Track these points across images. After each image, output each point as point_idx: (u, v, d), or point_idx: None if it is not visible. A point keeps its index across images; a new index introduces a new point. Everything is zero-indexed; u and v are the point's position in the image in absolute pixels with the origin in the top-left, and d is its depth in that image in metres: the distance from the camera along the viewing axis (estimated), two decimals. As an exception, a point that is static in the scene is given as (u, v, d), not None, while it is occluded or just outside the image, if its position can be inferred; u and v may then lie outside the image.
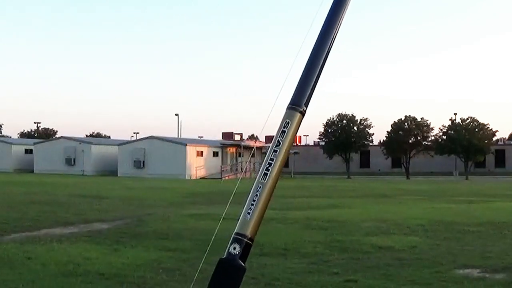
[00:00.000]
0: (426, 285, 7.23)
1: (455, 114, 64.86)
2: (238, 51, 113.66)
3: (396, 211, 17.27)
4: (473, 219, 14.71)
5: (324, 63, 0.97)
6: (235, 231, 0.80)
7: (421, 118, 63.06)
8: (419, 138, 62.68)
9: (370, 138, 64.62)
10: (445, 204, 20.61)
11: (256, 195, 0.81)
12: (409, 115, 63.35)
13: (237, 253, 0.79)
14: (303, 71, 0.95)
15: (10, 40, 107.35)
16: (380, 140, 66.54)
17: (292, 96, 0.89)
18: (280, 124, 0.91)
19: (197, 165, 53.37)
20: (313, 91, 0.94)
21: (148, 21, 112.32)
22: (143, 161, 53.05)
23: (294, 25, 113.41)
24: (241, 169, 56.56)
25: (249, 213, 0.80)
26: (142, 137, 59.90)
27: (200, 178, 50.94)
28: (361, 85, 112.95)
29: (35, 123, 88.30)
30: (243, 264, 0.78)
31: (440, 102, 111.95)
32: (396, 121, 63.53)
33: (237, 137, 63.92)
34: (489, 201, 21.77)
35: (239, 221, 0.78)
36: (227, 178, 51.72)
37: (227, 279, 0.76)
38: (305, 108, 0.90)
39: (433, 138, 63.12)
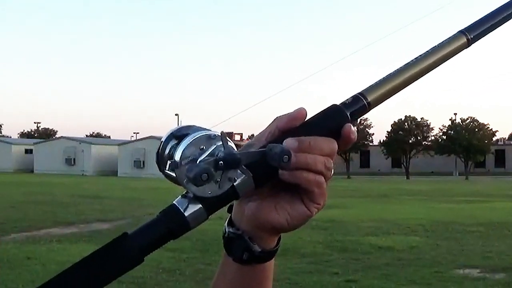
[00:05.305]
0: (426, 285, 7.24)
1: (455, 114, 65.11)
2: (238, 51, 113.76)
3: (396, 211, 17.26)
4: (473, 219, 14.71)
5: None
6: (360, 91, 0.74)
7: (421, 118, 63.15)
8: (419, 138, 62.70)
9: (370, 138, 64.63)
10: (445, 204, 20.60)
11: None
12: (409, 115, 63.42)
13: (347, 102, 0.73)
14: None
15: (10, 40, 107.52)
16: (380, 140, 66.57)
17: (471, 24, 0.78)
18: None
19: (197, 165, 53.31)
20: (493, 29, 0.83)
21: (148, 21, 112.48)
22: (143, 161, 53.02)
23: (294, 25, 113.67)
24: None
25: (378, 83, 0.73)
26: (142, 137, 59.89)
27: (200, 178, 50.86)
28: (361, 84, 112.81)
29: (35, 123, 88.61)
30: (346, 112, 0.71)
31: (440, 102, 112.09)
32: (396, 121, 63.55)
33: (237, 137, 63.88)
34: (489, 201, 21.75)
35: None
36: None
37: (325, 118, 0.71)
38: (472, 37, 0.78)
39: (433, 138, 63.19)
